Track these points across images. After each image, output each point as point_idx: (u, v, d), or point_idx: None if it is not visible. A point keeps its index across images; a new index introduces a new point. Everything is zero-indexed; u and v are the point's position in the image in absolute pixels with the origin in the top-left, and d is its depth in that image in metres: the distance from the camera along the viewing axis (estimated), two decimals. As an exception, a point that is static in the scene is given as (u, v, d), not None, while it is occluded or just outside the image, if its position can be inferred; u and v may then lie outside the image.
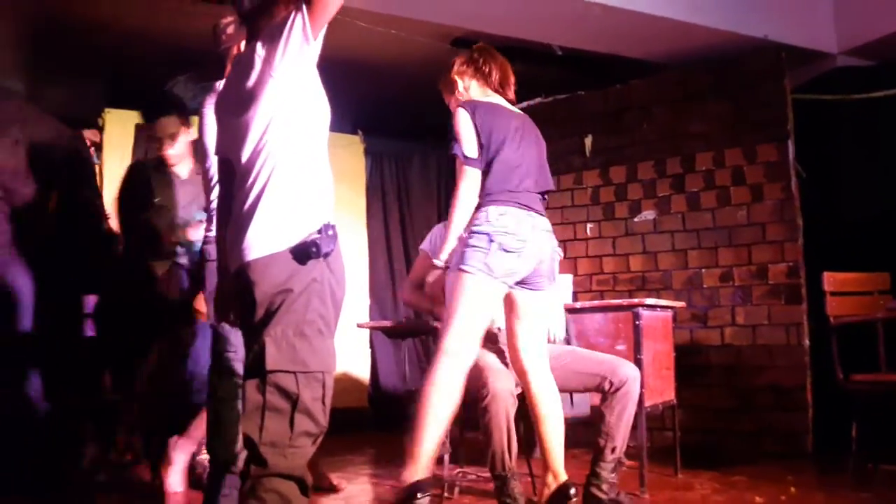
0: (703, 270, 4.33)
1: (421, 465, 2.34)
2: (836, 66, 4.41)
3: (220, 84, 2.66)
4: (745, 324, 4.17)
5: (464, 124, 2.52)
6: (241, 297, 1.88)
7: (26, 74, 4.35)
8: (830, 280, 3.53)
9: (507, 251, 2.40)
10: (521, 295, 2.53)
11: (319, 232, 1.84)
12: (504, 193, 2.46)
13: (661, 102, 4.56)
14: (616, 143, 4.71)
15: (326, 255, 1.84)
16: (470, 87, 2.69)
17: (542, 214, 2.55)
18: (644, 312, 3.17)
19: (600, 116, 4.78)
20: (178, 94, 4.78)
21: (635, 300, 3.26)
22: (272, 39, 1.86)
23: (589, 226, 4.75)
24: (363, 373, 5.47)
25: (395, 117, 5.66)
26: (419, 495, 2.29)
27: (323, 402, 1.82)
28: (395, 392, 5.34)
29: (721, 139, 4.34)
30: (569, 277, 3.57)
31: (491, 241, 2.39)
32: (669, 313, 3.55)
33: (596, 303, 3.36)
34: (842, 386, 3.33)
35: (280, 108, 1.88)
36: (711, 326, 4.26)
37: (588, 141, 4.82)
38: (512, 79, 2.73)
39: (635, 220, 4.61)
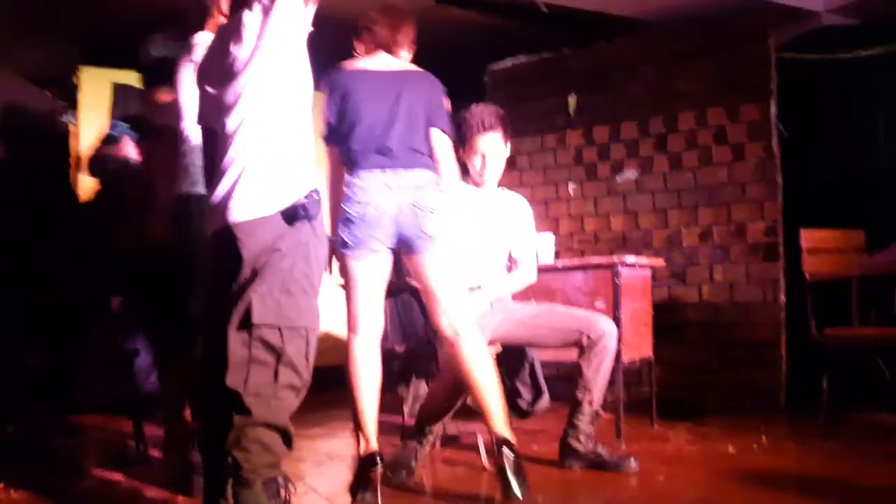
0: (683, 229, 4.37)
1: (365, 438, 2.37)
2: (822, 24, 4.40)
3: (196, 39, 2.61)
4: (723, 281, 4.23)
5: (322, 102, 2.46)
6: (222, 255, 1.91)
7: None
8: (807, 237, 3.58)
9: (349, 219, 2.34)
10: (408, 261, 2.46)
11: (306, 196, 1.89)
12: (359, 159, 2.38)
13: (647, 61, 4.55)
14: (600, 103, 4.70)
15: (313, 218, 1.88)
16: (358, 52, 2.61)
17: (407, 168, 2.38)
18: (623, 270, 3.21)
19: (585, 75, 4.76)
20: (154, 53, 4.71)
21: (615, 258, 3.30)
22: (262, 11, 1.87)
23: (571, 185, 4.77)
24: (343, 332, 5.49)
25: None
26: (372, 468, 2.32)
27: (306, 358, 1.88)
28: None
29: (705, 99, 4.35)
30: (550, 236, 3.61)
31: (343, 214, 2.36)
32: (648, 271, 3.60)
33: (576, 261, 3.40)
34: (815, 341, 3.41)
35: (266, 78, 1.90)
36: (690, 284, 4.32)
37: (572, 100, 4.81)
38: (403, 37, 2.59)
39: (617, 179, 4.63)
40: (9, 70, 4.16)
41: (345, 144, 2.42)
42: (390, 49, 2.57)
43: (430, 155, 2.47)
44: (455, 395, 2.67)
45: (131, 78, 4.88)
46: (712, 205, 4.30)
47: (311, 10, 1.93)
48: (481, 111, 2.93)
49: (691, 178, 4.39)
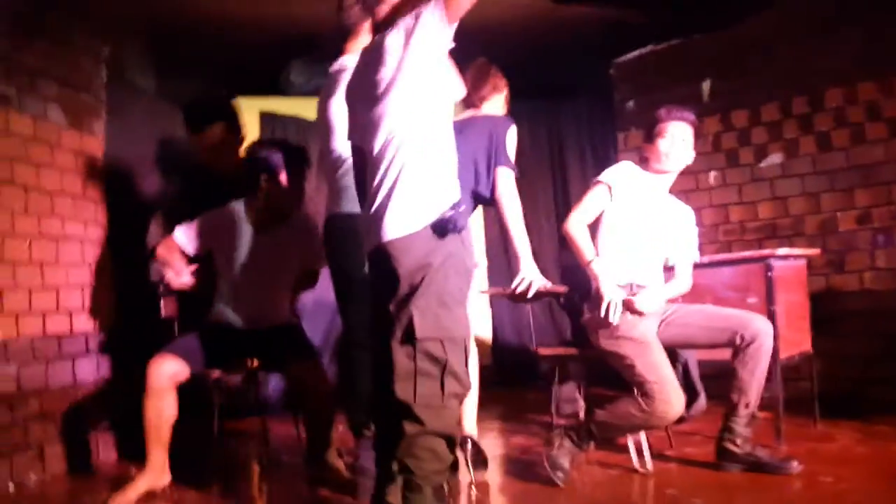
0: (838, 213, 4.12)
1: None
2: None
3: (339, 63, 2.72)
4: (887, 267, 3.95)
5: None
6: (379, 273, 2.01)
7: (154, 71, 4.65)
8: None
9: None
10: None
11: (452, 208, 1.95)
12: None
13: (783, 38, 4.31)
14: (736, 87, 4.50)
15: (462, 229, 1.95)
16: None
17: None
18: (776, 263, 3.09)
19: (717, 59, 4.58)
20: (294, 79, 5.00)
21: (766, 251, 3.17)
22: (405, 34, 1.92)
23: (712, 174, 4.61)
24: (485, 333, 5.62)
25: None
26: None
27: (466, 365, 1.95)
28: (515, 350, 5.47)
29: (853, 72, 4.07)
30: (695, 229, 3.51)
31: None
32: (803, 261, 3.44)
33: (724, 256, 3.29)
34: None
35: (409, 97, 1.96)
36: (849, 272, 4.06)
37: (706, 86, 4.65)
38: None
39: (761, 165, 4.42)
40: (167, 104, 4.53)
41: None
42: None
43: None
44: (649, 427, 2.68)
45: (277, 105, 5.22)
46: (869, 185, 4.02)
47: (453, 28, 1.97)
48: (678, 107, 2.98)
49: (843, 158, 4.12)
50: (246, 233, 3.00)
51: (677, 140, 2.88)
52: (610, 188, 2.88)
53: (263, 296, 3.04)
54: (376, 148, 2.01)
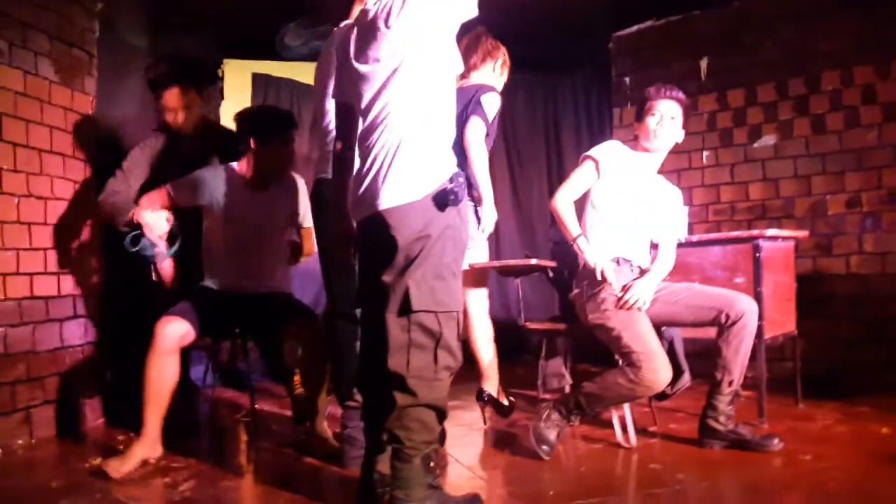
0: (828, 196, 4.14)
1: None
2: None
3: (342, 28, 2.67)
4: (874, 251, 3.98)
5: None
6: (372, 242, 2.00)
7: (147, 28, 4.57)
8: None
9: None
10: None
11: (451, 180, 1.93)
12: None
13: (783, 18, 4.29)
14: (733, 65, 4.49)
15: (461, 202, 1.94)
16: None
17: None
18: (765, 244, 3.10)
19: (717, 37, 4.56)
20: (289, 42, 4.93)
21: (756, 231, 3.19)
22: None
23: (705, 153, 4.61)
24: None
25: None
26: None
27: (458, 339, 1.96)
28: (503, 324, 5.47)
29: (850, 56, 4.07)
30: (684, 209, 3.52)
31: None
32: (791, 243, 3.46)
33: (714, 235, 3.31)
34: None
35: (413, 64, 1.92)
36: (836, 255, 4.10)
37: (704, 63, 4.63)
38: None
39: (755, 145, 4.43)
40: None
41: None
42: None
43: None
44: (636, 396, 2.69)
45: (270, 67, 5.16)
46: (861, 169, 4.04)
47: None
48: (668, 85, 2.97)
49: (836, 141, 4.13)
50: (238, 191, 2.99)
51: (666, 118, 2.87)
52: (597, 164, 2.88)
53: (257, 257, 3.03)
54: (374, 111, 1.97)
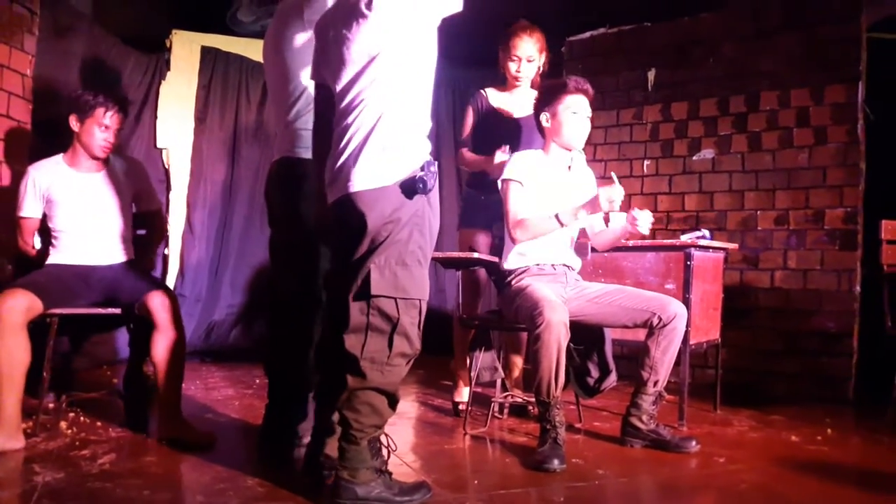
0: (759, 212, 4.31)
1: None
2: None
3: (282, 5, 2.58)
4: (797, 268, 4.17)
5: None
6: (342, 224, 1.99)
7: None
8: (889, 228, 3.50)
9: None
10: None
11: (422, 168, 1.94)
12: None
13: (729, 38, 4.44)
14: (680, 79, 4.63)
15: (430, 191, 1.94)
16: None
17: None
18: (696, 253, 3.21)
19: (665, 50, 4.69)
20: (242, 17, 4.84)
21: (688, 240, 3.29)
22: None
23: (646, 162, 4.74)
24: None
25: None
26: None
27: (418, 328, 1.97)
28: (438, 316, 5.50)
29: (789, 78, 4.24)
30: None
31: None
32: (721, 254, 3.58)
33: (648, 242, 3.40)
34: (890, 334, 3.35)
35: (403, 49, 1.93)
36: (762, 269, 4.27)
37: (651, 75, 4.75)
38: None
39: (694, 158, 4.57)
40: (102, 29, 4.33)
41: None
42: None
43: None
44: (555, 347, 2.64)
45: (220, 42, 5.05)
46: (790, 188, 4.22)
47: None
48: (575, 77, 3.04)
49: (770, 159, 4.30)
50: (68, 175, 2.90)
51: (569, 112, 2.94)
52: (521, 182, 2.92)
53: (102, 235, 2.93)
54: (351, 94, 1.97)
